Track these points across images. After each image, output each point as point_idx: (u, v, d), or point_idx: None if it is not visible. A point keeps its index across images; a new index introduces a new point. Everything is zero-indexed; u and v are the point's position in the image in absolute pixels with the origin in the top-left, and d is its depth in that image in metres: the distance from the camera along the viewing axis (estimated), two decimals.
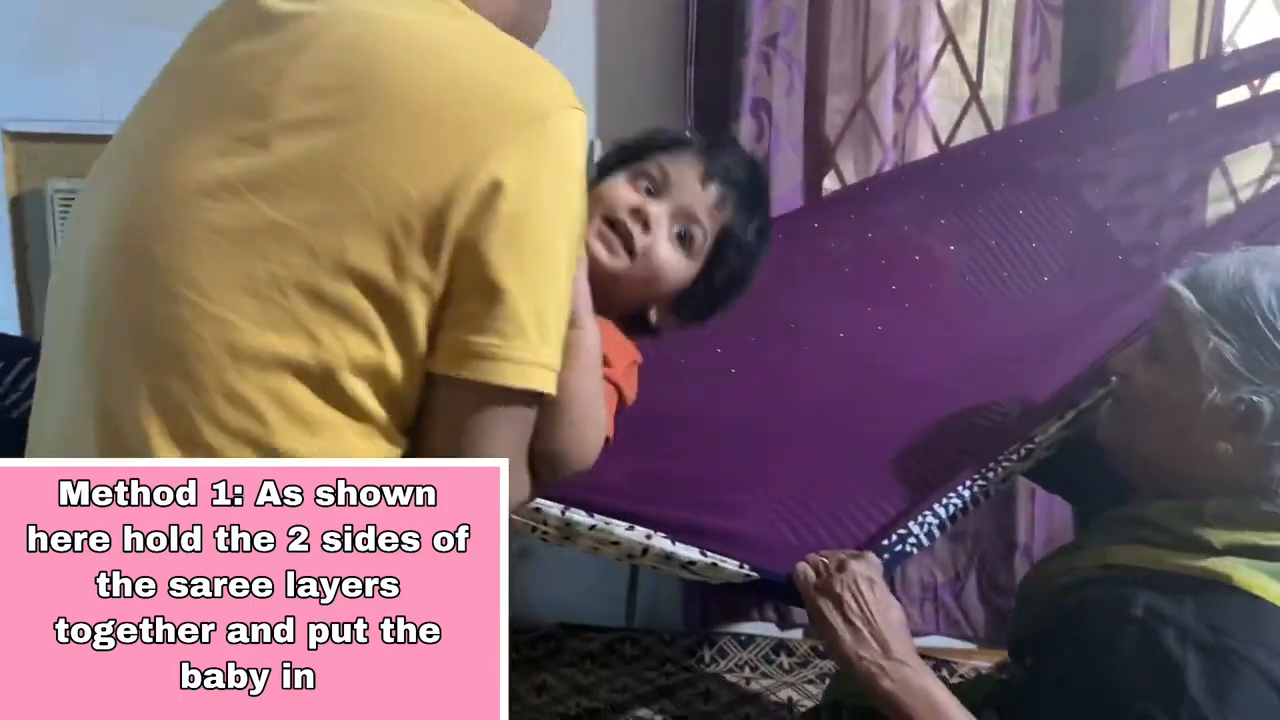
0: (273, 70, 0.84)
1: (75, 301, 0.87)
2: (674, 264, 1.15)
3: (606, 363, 1.07)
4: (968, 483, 1.31)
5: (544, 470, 0.96)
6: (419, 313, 0.81)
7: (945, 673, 2.13)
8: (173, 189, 0.82)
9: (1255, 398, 1.04)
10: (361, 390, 0.81)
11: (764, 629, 2.28)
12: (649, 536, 1.20)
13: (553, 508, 1.18)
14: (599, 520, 1.19)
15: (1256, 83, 1.84)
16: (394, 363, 0.82)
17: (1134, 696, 0.99)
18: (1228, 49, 2.04)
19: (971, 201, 1.79)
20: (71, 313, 0.88)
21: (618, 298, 1.15)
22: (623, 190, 1.15)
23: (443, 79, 0.82)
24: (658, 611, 2.33)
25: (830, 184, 2.28)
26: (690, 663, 2.13)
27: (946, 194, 1.81)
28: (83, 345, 0.85)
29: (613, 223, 1.13)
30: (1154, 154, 1.75)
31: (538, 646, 2.16)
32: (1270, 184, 1.72)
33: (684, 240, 1.16)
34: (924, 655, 2.11)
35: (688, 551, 1.21)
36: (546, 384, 0.85)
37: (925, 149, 2.23)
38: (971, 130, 2.24)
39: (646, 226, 1.14)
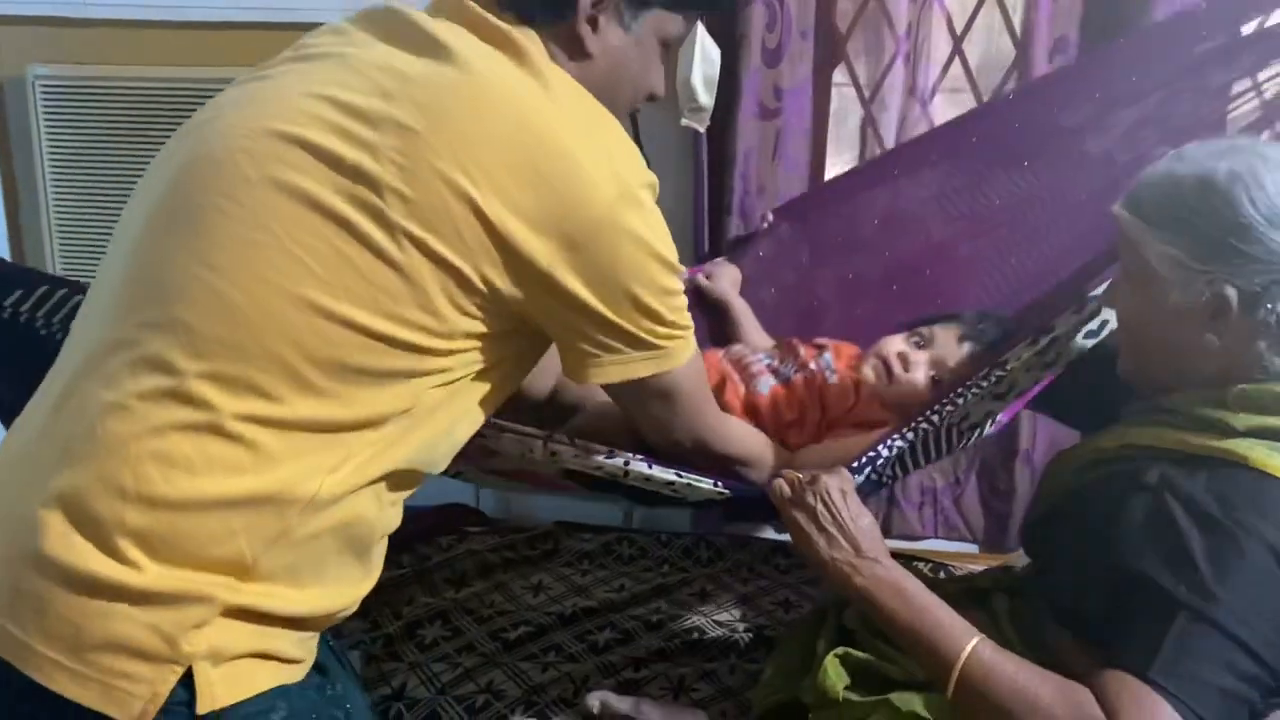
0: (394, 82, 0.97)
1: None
2: (923, 393, 1.54)
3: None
4: (936, 408, 1.36)
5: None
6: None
7: (944, 575, 2.18)
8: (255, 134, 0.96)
9: (1214, 286, 1.07)
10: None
11: (761, 530, 2.33)
12: (626, 463, 1.27)
13: (537, 439, 1.26)
14: (580, 449, 1.27)
15: None
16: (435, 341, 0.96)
17: (1139, 559, 1.04)
18: None
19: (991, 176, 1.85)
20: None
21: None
22: (895, 340, 1.61)
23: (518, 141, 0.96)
24: (655, 512, 2.38)
25: (840, 77, 2.26)
26: (687, 563, 2.17)
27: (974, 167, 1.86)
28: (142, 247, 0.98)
29: (883, 359, 1.58)
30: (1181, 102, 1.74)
31: (535, 546, 2.20)
32: None
33: (937, 383, 1.56)
34: (922, 558, 2.20)
35: (664, 473, 1.28)
36: (674, 356, 1.09)
37: (940, 41, 2.20)
38: (987, 23, 2.21)
39: (907, 366, 1.56)
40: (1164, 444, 1.12)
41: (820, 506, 1.18)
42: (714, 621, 1.95)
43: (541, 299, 0.99)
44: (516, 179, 0.94)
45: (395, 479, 1.01)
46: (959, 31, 2.22)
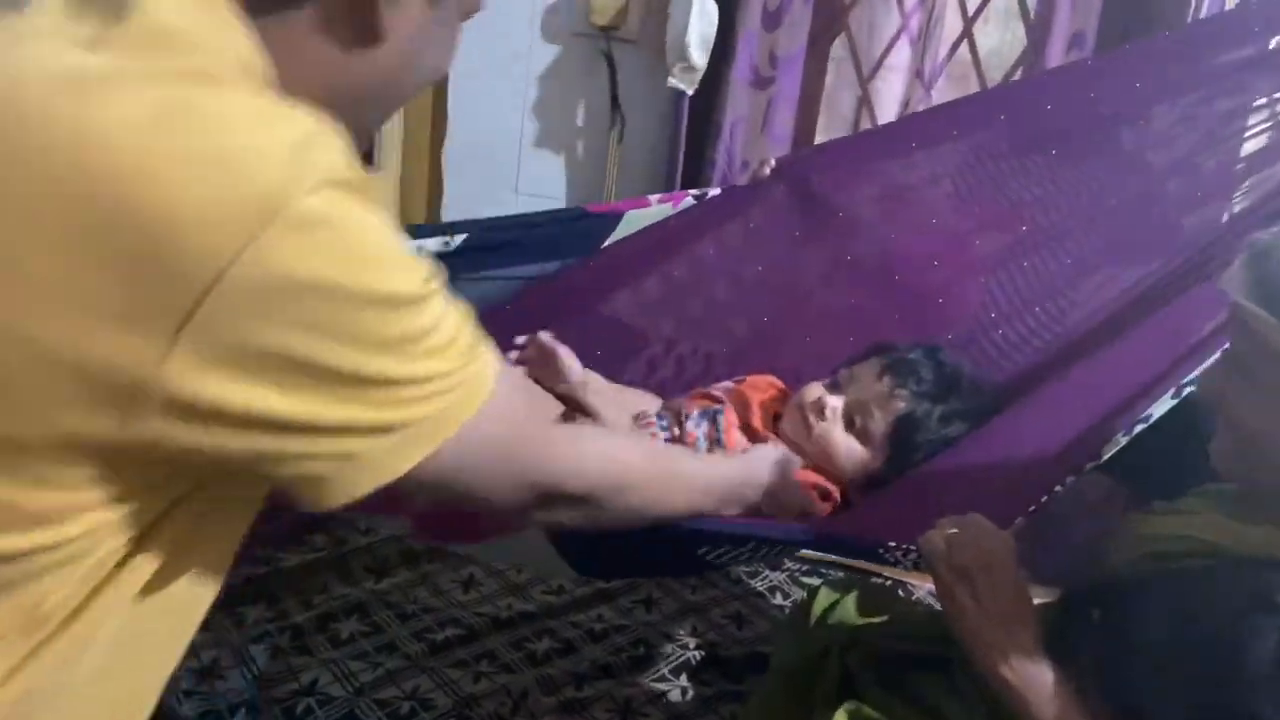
0: None
1: None
2: (845, 445, 1.38)
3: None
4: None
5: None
6: None
7: (901, 593, 2.09)
8: None
9: None
10: None
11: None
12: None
13: None
14: None
15: None
16: None
17: (1270, 708, 0.90)
18: None
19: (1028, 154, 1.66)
20: None
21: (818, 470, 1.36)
22: (813, 387, 1.43)
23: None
24: None
25: (840, 50, 2.12)
26: None
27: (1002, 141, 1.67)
28: None
29: (800, 408, 1.41)
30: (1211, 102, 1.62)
31: None
32: None
33: (853, 425, 1.39)
34: (877, 573, 2.10)
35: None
36: (454, 413, 0.69)
37: (949, 22, 2.08)
38: (1004, 7, 2.09)
39: (822, 415, 1.39)
40: None
41: (981, 576, 1.03)
42: (662, 634, 1.81)
43: (181, 429, 0.59)
44: (72, 253, 0.55)
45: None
46: (970, 14, 2.09)
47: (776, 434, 1.43)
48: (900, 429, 1.38)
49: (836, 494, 1.36)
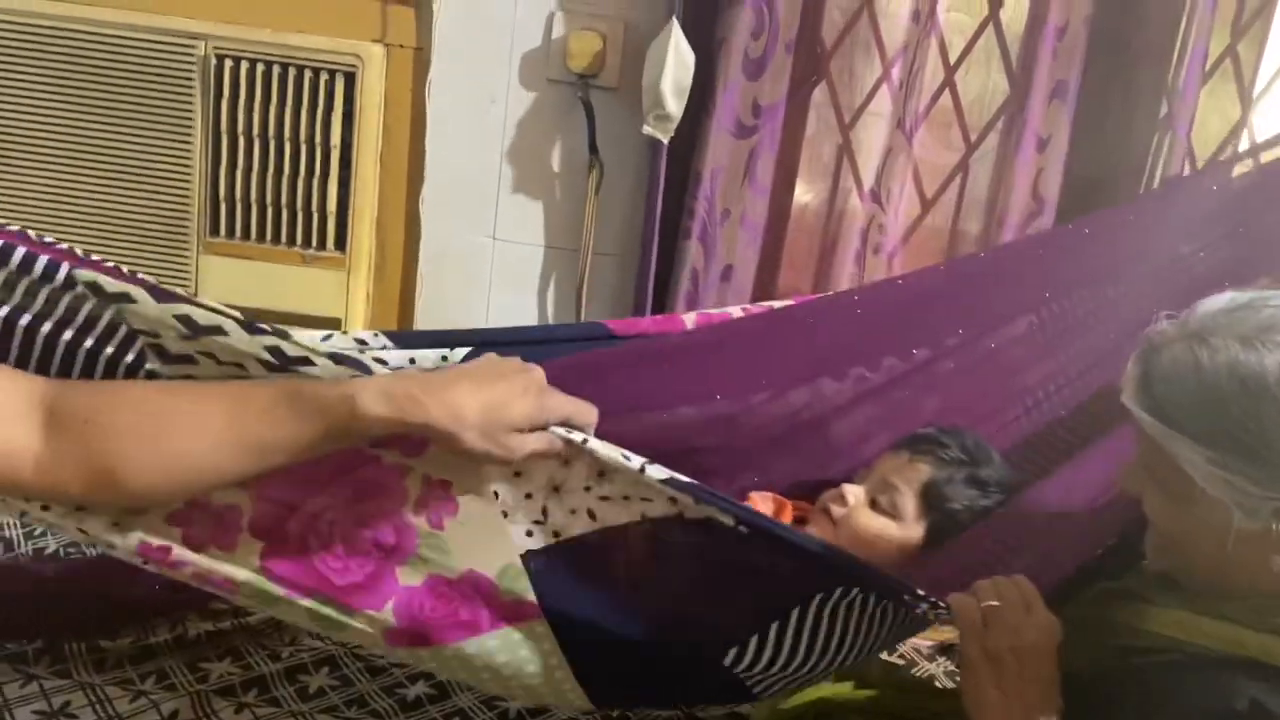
0: None
1: None
2: (875, 525, 1.38)
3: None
4: None
5: None
6: None
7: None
8: None
9: None
10: None
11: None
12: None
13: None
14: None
15: None
16: None
17: None
18: None
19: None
20: None
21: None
22: (832, 491, 1.45)
23: None
24: None
25: (820, 96, 2.17)
26: None
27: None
28: None
29: (823, 507, 1.43)
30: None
31: None
32: None
33: (879, 505, 1.40)
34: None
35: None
36: None
37: (931, 70, 2.14)
38: (985, 53, 2.15)
39: (843, 502, 1.40)
40: (1243, 650, 0.97)
41: (1014, 665, 1.00)
42: None
43: None
44: None
45: None
46: (952, 62, 2.15)
47: None
48: (929, 495, 1.38)
49: None
